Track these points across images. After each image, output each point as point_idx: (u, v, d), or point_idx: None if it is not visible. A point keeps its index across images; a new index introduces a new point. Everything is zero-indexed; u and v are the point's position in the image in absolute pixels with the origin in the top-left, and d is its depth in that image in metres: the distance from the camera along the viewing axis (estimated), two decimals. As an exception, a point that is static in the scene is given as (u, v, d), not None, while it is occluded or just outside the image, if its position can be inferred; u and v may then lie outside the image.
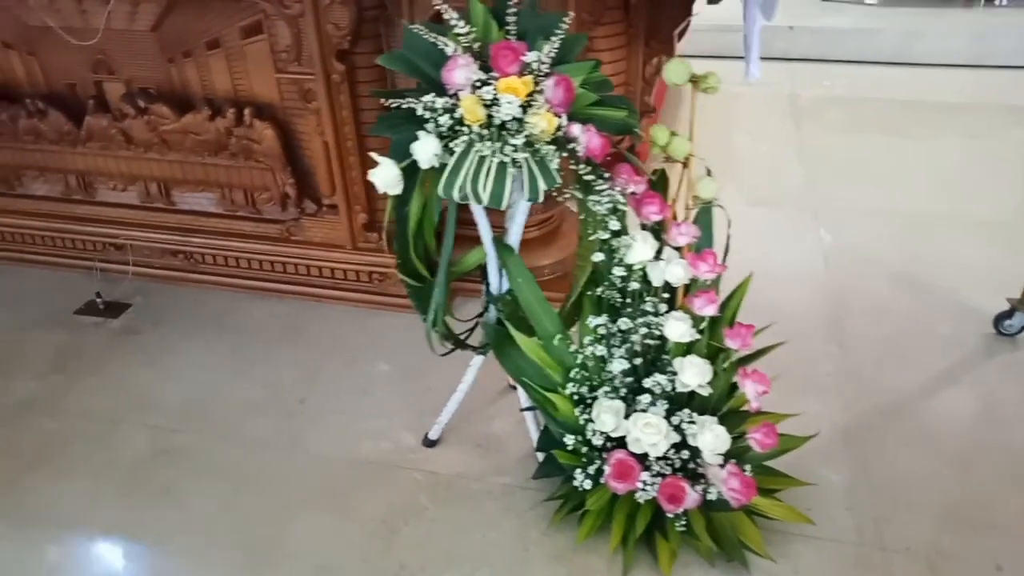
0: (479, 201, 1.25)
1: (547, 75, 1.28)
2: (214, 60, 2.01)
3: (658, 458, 1.35)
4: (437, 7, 1.32)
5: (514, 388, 1.83)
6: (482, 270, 1.53)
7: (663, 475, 1.35)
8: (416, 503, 1.55)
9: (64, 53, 2.13)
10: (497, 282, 1.50)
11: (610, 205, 1.32)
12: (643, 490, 1.34)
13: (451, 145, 1.26)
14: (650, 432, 1.33)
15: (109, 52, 2.09)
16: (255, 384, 1.91)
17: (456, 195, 1.25)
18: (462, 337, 1.56)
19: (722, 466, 1.34)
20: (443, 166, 1.29)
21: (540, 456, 1.56)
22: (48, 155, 2.26)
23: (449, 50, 1.30)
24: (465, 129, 1.26)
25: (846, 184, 2.89)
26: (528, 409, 1.57)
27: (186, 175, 2.17)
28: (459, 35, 1.30)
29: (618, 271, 1.33)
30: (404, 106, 1.29)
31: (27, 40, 2.13)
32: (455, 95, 1.29)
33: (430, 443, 1.68)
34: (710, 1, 1.93)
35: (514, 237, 1.43)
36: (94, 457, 1.70)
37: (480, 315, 1.57)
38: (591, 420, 1.40)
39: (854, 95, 3.91)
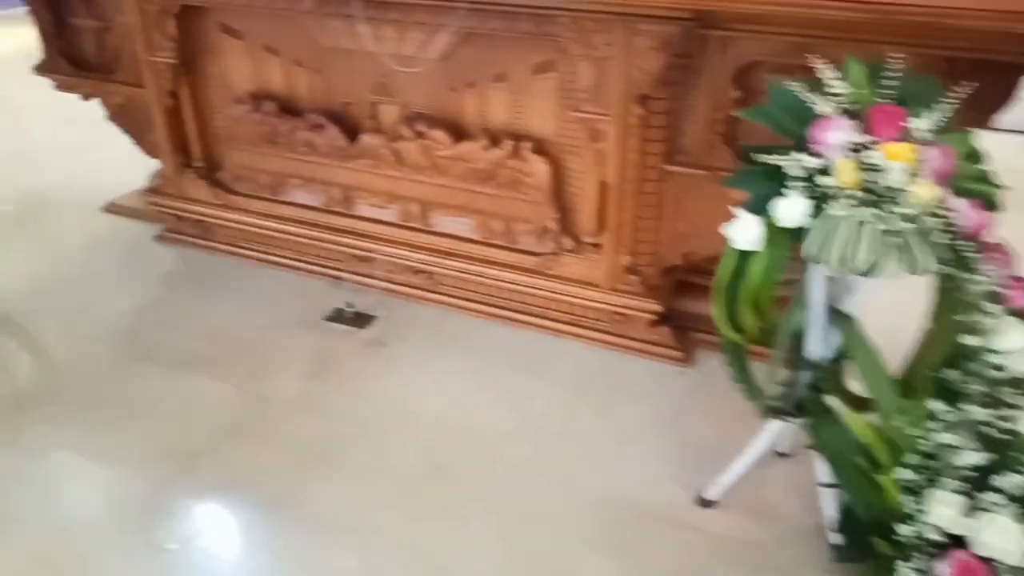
0: (852, 269, 1.20)
1: (926, 144, 1.23)
2: (496, 92, 2.07)
3: (1011, 567, 1.24)
4: (810, 65, 1.30)
5: (783, 455, 1.76)
6: (793, 334, 1.48)
7: (1011, 584, 1.24)
8: (705, 567, 1.49)
9: (348, 74, 2.25)
10: (818, 349, 1.44)
11: (988, 286, 1.24)
12: (991, 598, 1.24)
13: (825, 208, 1.23)
14: (1005, 536, 1.23)
15: (392, 76, 2.20)
16: (509, 410, 1.92)
17: (831, 259, 1.21)
18: (775, 403, 1.51)
19: (1082, 584, 1.22)
20: (801, 227, 1.26)
21: (836, 537, 1.48)
22: (317, 167, 2.39)
23: (822, 109, 1.27)
24: (839, 192, 1.23)
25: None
26: (829, 486, 1.49)
27: (449, 199, 2.24)
28: (834, 95, 1.27)
29: (992, 358, 1.25)
30: (767, 162, 1.27)
31: (317, 60, 2.27)
32: (823, 156, 1.26)
33: (706, 503, 1.63)
34: None
35: (856, 306, 1.37)
36: (371, 464, 1.75)
37: (789, 382, 1.52)
38: (922, 511, 1.30)
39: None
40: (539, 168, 2.05)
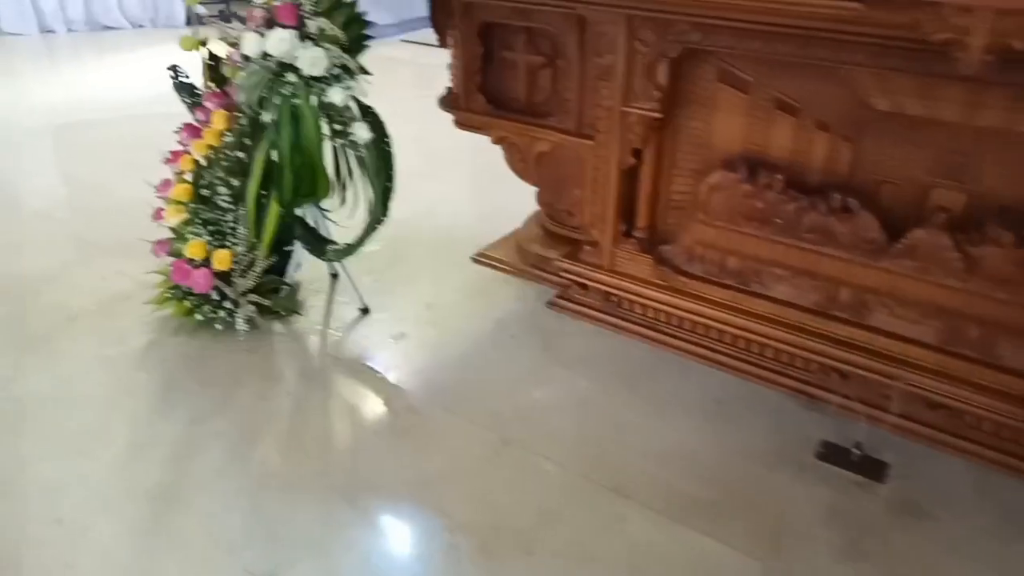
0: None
1: None
2: None
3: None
4: None
5: None
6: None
7: None
8: None
9: (896, 146, 1.71)
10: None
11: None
12: None
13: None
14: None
15: (972, 154, 1.63)
16: None
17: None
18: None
19: None
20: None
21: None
22: (822, 259, 1.86)
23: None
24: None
25: None
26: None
27: (1043, 329, 1.65)
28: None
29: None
30: None
31: (854, 124, 1.74)
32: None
33: None
34: None
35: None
36: None
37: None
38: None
39: None
40: None
